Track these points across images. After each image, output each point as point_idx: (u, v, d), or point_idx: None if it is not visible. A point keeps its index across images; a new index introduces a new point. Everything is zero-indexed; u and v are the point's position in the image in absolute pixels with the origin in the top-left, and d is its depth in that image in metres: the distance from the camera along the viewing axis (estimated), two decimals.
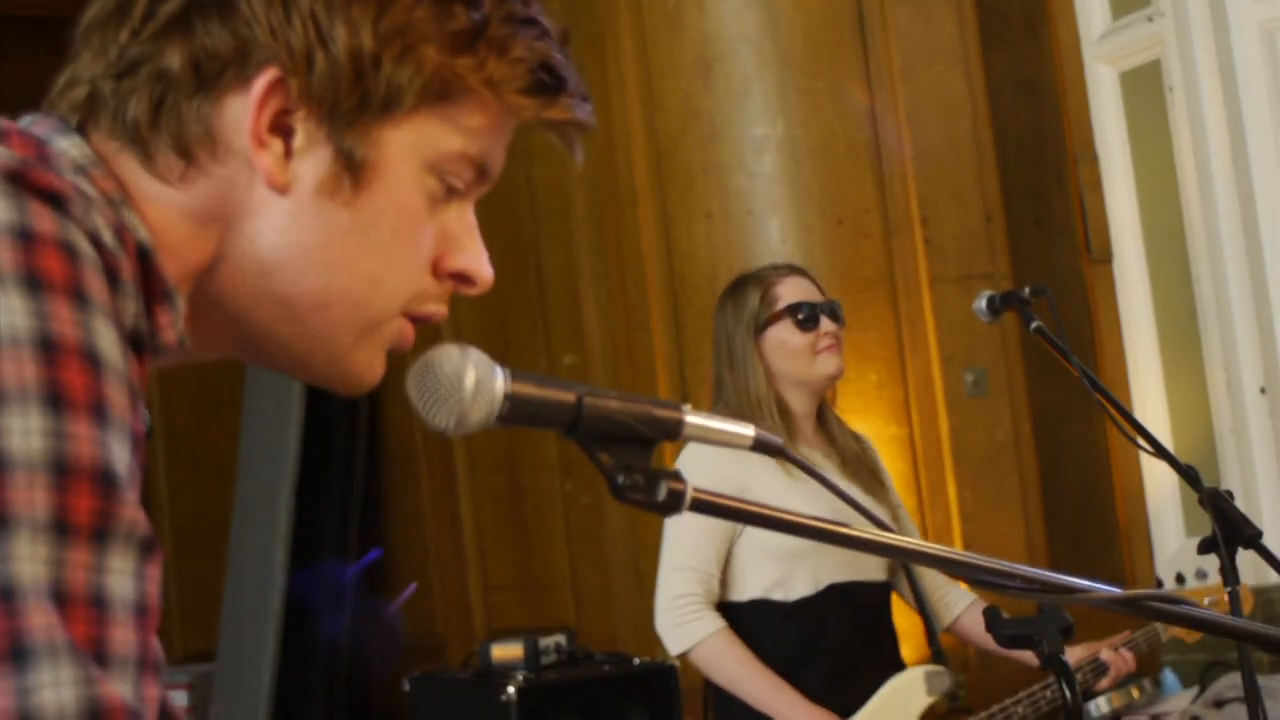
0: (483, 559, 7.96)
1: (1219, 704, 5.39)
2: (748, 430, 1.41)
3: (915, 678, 3.86)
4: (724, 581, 3.94)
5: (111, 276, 1.11)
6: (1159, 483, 6.13)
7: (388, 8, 1.28)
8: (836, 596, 3.90)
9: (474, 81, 1.30)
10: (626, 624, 6.87)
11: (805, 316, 4.03)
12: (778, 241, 6.12)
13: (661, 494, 1.34)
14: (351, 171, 1.28)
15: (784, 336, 4.03)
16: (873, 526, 1.48)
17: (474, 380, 1.30)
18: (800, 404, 4.07)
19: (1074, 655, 3.96)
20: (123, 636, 1.02)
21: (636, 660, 5.02)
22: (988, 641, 4.14)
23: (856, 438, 4.23)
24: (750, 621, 3.89)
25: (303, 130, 1.27)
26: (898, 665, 4.00)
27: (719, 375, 4.12)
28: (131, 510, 1.06)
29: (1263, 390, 5.69)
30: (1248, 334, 5.72)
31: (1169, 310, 6.18)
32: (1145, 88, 6.15)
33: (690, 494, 1.35)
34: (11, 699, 0.96)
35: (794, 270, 4.23)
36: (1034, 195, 6.55)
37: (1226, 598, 3.41)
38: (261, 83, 1.25)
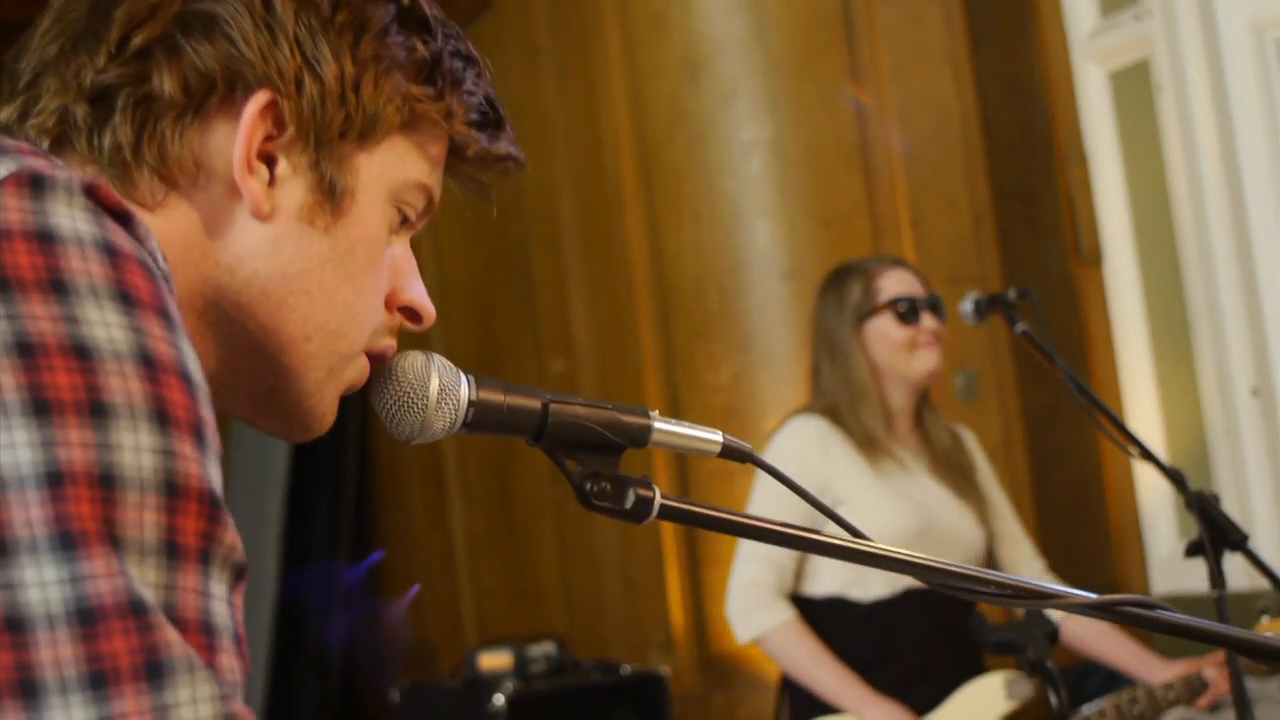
0: (473, 566, 7.95)
1: (1212, 709, 5.38)
2: (715, 436, 1.39)
3: (995, 682, 3.84)
4: (800, 574, 3.92)
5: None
6: (1151, 486, 6.12)
7: (363, 35, 1.30)
8: (913, 600, 3.88)
9: (434, 111, 1.32)
10: (617, 631, 6.86)
11: (907, 310, 4.01)
12: (766, 244, 6.10)
13: (629, 501, 1.33)
14: (331, 199, 1.28)
15: (884, 329, 4.01)
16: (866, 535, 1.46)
17: (438, 387, 1.29)
18: (899, 398, 4.05)
19: (1173, 671, 3.94)
20: (229, 664, 1.01)
21: (626, 669, 5.00)
22: (1096, 647, 4.11)
23: (955, 435, 4.20)
24: (825, 618, 3.88)
25: (285, 157, 1.27)
26: (976, 670, 3.97)
27: (817, 365, 4.10)
28: (231, 534, 1.04)
29: (1255, 391, 5.67)
30: (1239, 335, 5.70)
31: (1160, 311, 6.16)
32: (1134, 87, 6.13)
33: (659, 501, 1.34)
34: (149, 717, 0.94)
35: (897, 263, 4.20)
36: (1023, 196, 6.53)
37: None
38: (254, 105, 1.25)
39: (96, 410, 0.98)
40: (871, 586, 3.88)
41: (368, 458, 8.79)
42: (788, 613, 3.84)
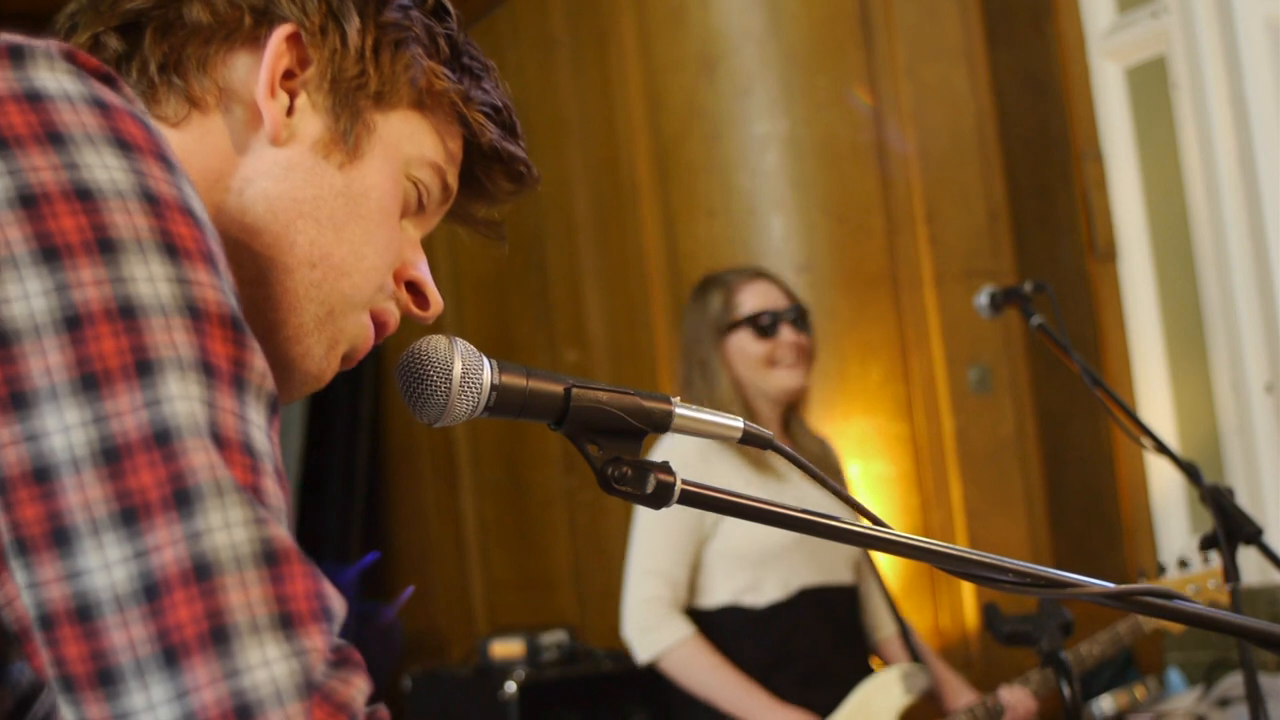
0: (485, 556, 7.96)
1: (1224, 703, 5.37)
2: (736, 423, 1.39)
3: (892, 678, 3.84)
4: (693, 587, 3.90)
5: None
6: (1164, 480, 6.11)
7: (386, 5, 1.33)
8: (807, 600, 3.87)
9: (452, 91, 1.33)
10: None
11: (766, 325, 3.99)
12: (780, 239, 6.11)
13: (650, 486, 1.34)
14: (347, 139, 1.30)
15: (743, 344, 3.98)
16: (865, 520, 1.46)
17: (461, 371, 1.30)
18: (765, 411, 4.03)
19: (971, 696, 3.93)
20: (274, 488, 1.00)
21: None
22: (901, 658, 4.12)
23: (822, 443, 4.19)
24: (721, 628, 3.85)
25: (305, 93, 1.30)
26: (869, 668, 3.97)
27: (687, 378, 4.08)
28: (260, 360, 1.03)
29: (1268, 388, 5.67)
30: (1253, 332, 5.70)
31: (1174, 308, 6.16)
32: (1151, 84, 6.13)
33: (679, 486, 1.34)
34: (183, 546, 0.93)
35: (759, 274, 4.17)
36: (1039, 193, 6.53)
37: (1210, 586, 3.40)
38: (281, 33, 1.28)
39: (105, 247, 0.98)
40: (765, 591, 3.86)
41: (380, 446, 8.80)
42: (686, 628, 3.82)
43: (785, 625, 3.86)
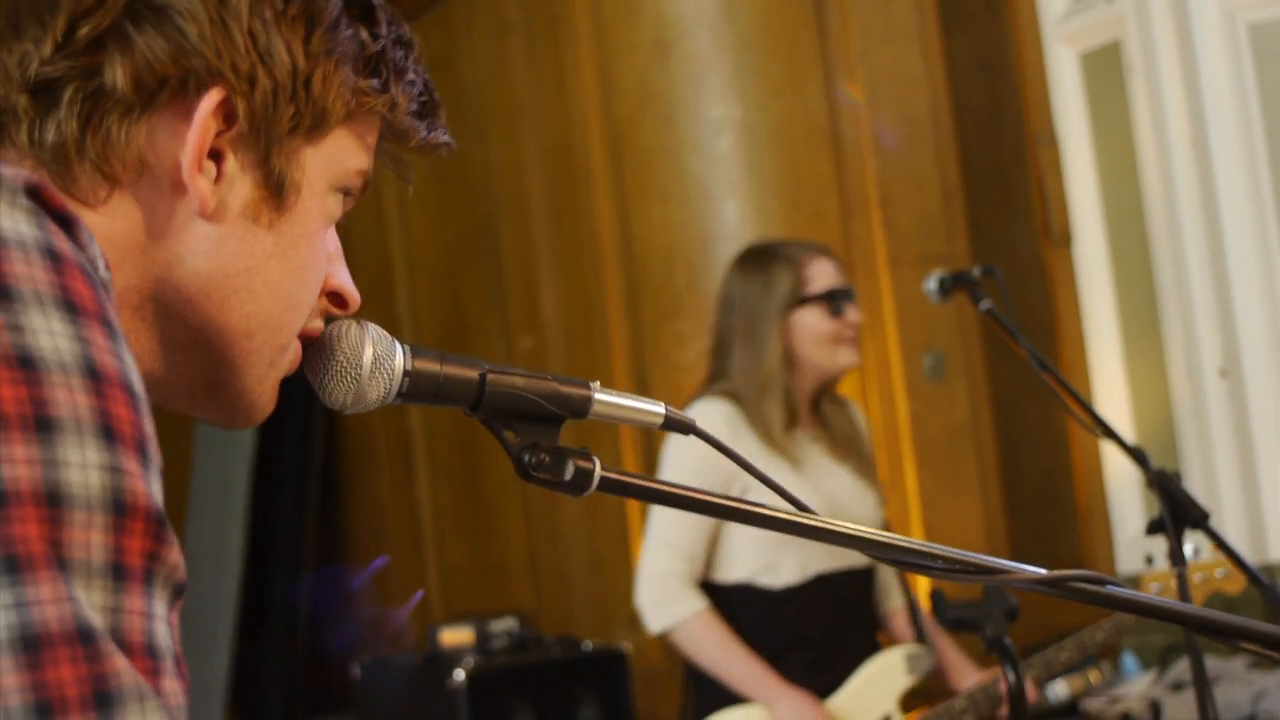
0: (440, 542, 7.94)
1: (1177, 687, 5.38)
2: (658, 408, 1.37)
3: (895, 659, 3.84)
4: (710, 561, 3.90)
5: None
6: (1118, 466, 6.12)
7: (314, 29, 1.26)
8: (822, 586, 3.87)
9: (380, 105, 1.29)
10: (584, 607, 6.85)
11: (837, 304, 3.96)
12: (734, 225, 6.09)
13: (568, 473, 1.32)
14: (277, 195, 1.25)
15: (813, 322, 3.95)
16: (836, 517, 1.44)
17: (372, 356, 1.28)
18: (807, 387, 4.00)
19: (977, 677, 3.93)
20: (173, 687, 0.97)
21: (588, 645, 4.99)
22: (907, 639, 4.12)
23: (850, 418, 4.15)
24: (734, 605, 3.86)
25: (233, 153, 1.23)
26: (877, 650, 3.97)
27: (724, 346, 4.02)
28: (175, 553, 1.01)
29: (1223, 373, 5.67)
30: (1208, 317, 5.70)
31: (1129, 293, 6.16)
32: (1105, 69, 6.12)
33: (599, 473, 1.32)
34: None
35: (822, 251, 4.14)
36: (993, 177, 6.52)
37: (1218, 575, 3.38)
38: (207, 104, 1.21)
39: (42, 425, 0.94)
40: (782, 573, 3.86)
41: (335, 432, 8.77)
42: (700, 603, 3.82)
43: (798, 609, 3.86)
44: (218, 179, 1.23)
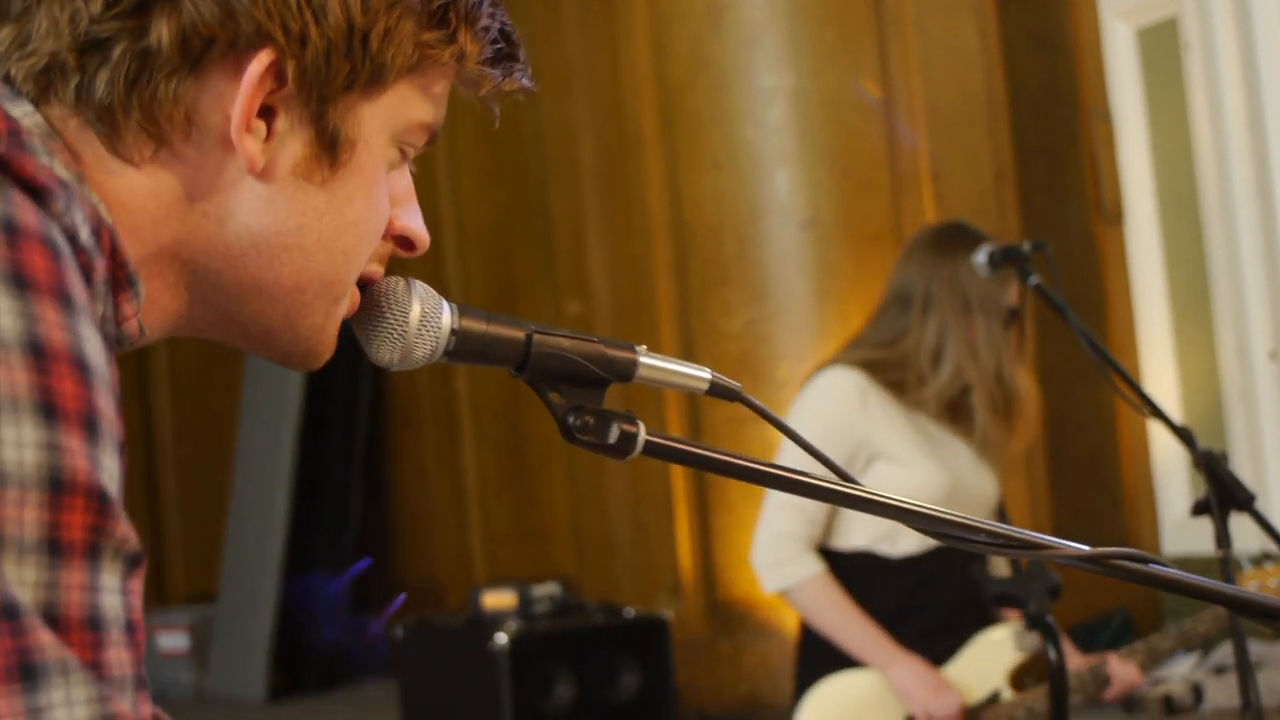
0: (484, 508, 7.96)
1: (1220, 671, 5.36)
2: (703, 374, 1.36)
3: (1005, 634, 3.83)
4: (829, 528, 3.89)
5: (85, 276, 1.06)
6: (1165, 447, 6.10)
7: None
8: (941, 556, 3.85)
9: (446, 55, 1.26)
10: (626, 575, 6.87)
11: (1012, 322, 3.89)
12: (785, 193, 6.08)
13: (612, 436, 1.31)
14: (331, 152, 1.23)
15: (999, 333, 3.87)
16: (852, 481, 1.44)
17: (419, 315, 1.27)
18: (944, 377, 3.92)
19: (1080, 661, 3.91)
20: (117, 657, 0.98)
21: (629, 611, 4.99)
22: (1014, 616, 4.09)
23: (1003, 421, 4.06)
24: (852, 572, 3.85)
25: (285, 111, 1.21)
26: (990, 625, 3.96)
27: (898, 302, 3.92)
28: (123, 527, 1.00)
29: (1272, 355, 5.64)
30: (1259, 298, 5.67)
31: (1180, 272, 6.12)
32: (1162, 45, 6.08)
33: (643, 436, 1.31)
34: (22, 719, 0.93)
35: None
36: (1046, 153, 6.49)
37: (1272, 582, 3.34)
38: (256, 68, 1.18)
39: None
40: (901, 542, 3.86)
41: (381, 398, 8.80)
42: (817, 566, 3.82)
43: (916, 578, 3.85)
44: (268, 137, 1.21)
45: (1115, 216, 6.31)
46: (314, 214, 1.23)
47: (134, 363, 8.84)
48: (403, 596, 5.99)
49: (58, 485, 0.96)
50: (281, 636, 8.27)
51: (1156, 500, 6.27)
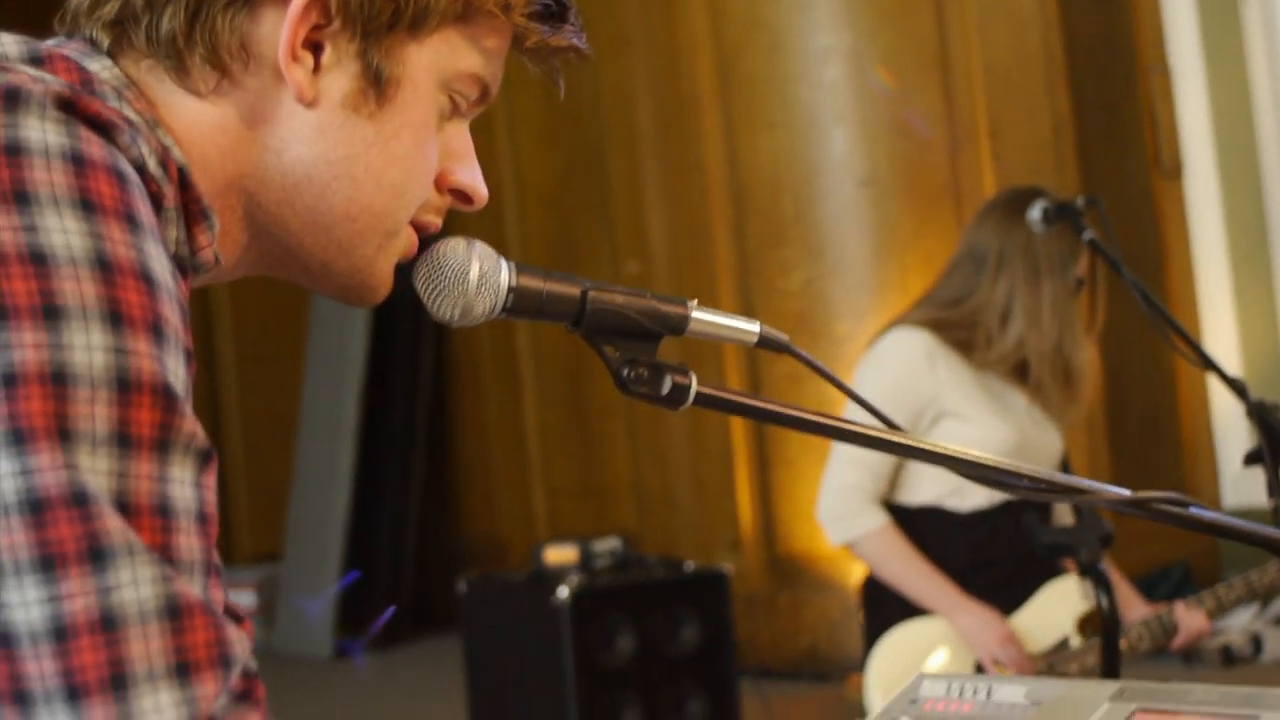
0: (546, 464, 8.02)
1: (1279, 621, 5.38)
2: (753, 326, 1.41)
3: (1072, 584, 3.86)
4: (896, 482, 3.93)
5: (156, 203, 1.16)
6: (1224, 401, 6.09)
7: None
8: (1009, 511, 3.88)
9: (490, 3, 1.31)
10: (686, 531, 6.92)
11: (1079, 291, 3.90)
12: (842, 151, 6.10)
13: (665, 387, 1.36)
14: (377, 86, 1.29)
15: (1070, 302, 3.88)
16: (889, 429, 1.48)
17: (479, 272, 1.32)
18: (1005, 344, 3.95)
19: (1145, 610, 3.94)
20: (186, 543, 1.07)
21: (689, 565, 5.03)
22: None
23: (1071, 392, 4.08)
24: (921, 527, 3.89)
25: (332, 45, 1.28)
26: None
27: (969, 260, 3.94)
28: (190, 422, 1.09)
29: None
30: None
31: (1239, 226, 6.11)
32: None
33: (695, 388, 1.36)
34: (94, 598, 1.01)
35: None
36: (1104, 108, 6.48)
37: None
38: (299, 0, 1.26)
39: (50, 313, 1.04)
40: (969, 497, 3.89)
41: (444, 356, 8.86)
42: (882, 518, 3.86)
43: (984, 533, 3.89)
44: (316, 69, 1.28)
45: (1174, 171, 6.31)
46: (362, 144, 1.30)
47: (199, 325, 8.92)
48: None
49: (125, 384, 1.05)
50: (347, 594, 8.37)
51: (1216, 454, 6.28)
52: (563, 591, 4.69)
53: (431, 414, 8.75)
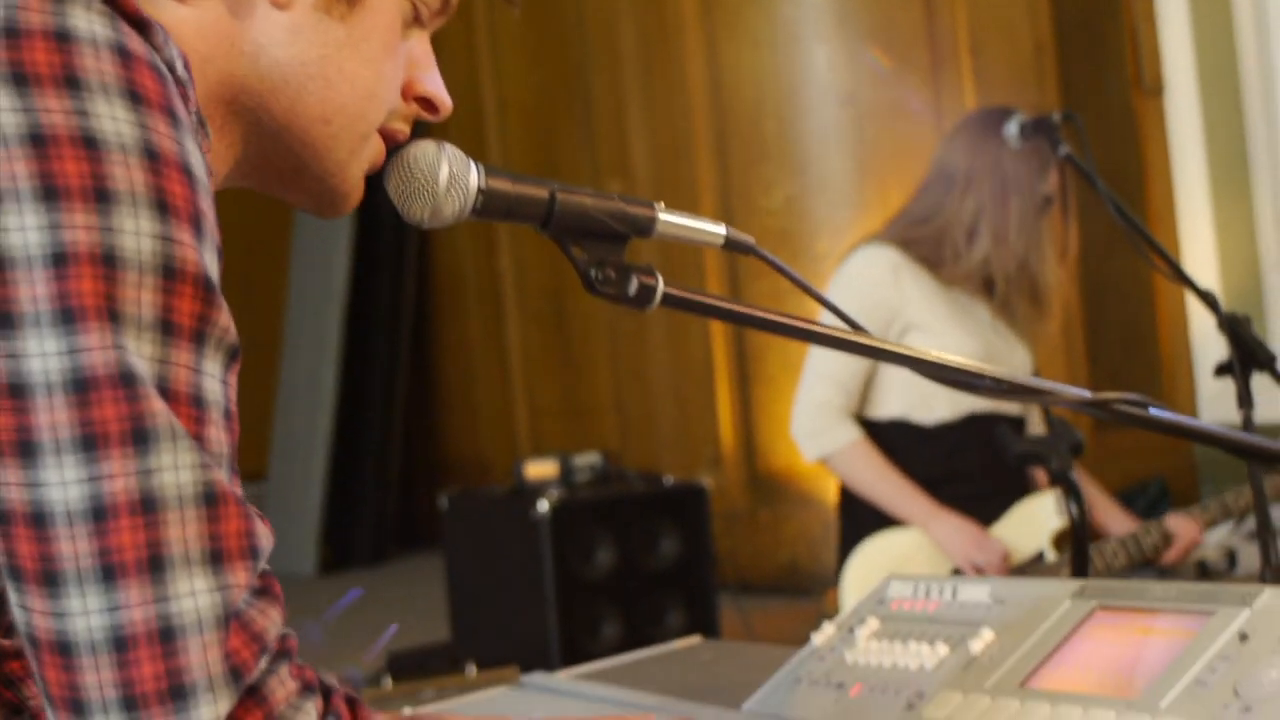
0: (529, 383, 8.05)
1: (1254, 536, 5.41)
2: (719, 229, 1.43)
3: (1048, 500, 3.89)
4: (866, 398, 3.97)
5: (184, 104, 1.17)
6: (1203, 317, 6.12)
7: None
8: (975, 425, 3.93)
9: None
10: (668, 449, 6.95)
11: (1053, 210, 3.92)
12: (824, 70, 6.09)
13: (632, 288, 1.37)
14: None
15: (1042, 223, 3.90)
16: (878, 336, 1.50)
17: (448, 174, 1.34)
18: (972, 261, 3.97)
19: (1132, 524, 3.98)
20: (216, 435, 1.08)
21: (669, 479, 5.07)
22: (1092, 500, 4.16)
23: (1040, 312, 4.11)
24: (888, 440, 3.93)
25: None
26: (1027, 494, 4.03)
27: (940, 182, 3.97)
28: (225, 317, 1.11)
29: None
30: None
31: (1219, 145, 6.12)
32: None
33: (661, 289, 1.38)
34: (134, 479, 1.03)
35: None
36: (1086, 26, 6.47)
37: None
38: None
39: (101, 196, 1.05)
40: (935, 409, 3.93)
41: (427, 275, 8.86)
42: (854, 433, 3.90)
43: (951, 445, 3.93)
44: None
45: (1155, 89, 6.31)
46: (334, 46, 1.31)
47: None
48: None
49: (170, 272, 1.07)
50: (331, 513, 8.41)
51: (1194, 371, 6.31)
52: (543, 505, 4.72)
53: (414, 334, 8.76)
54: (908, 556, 3.86)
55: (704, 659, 2.00)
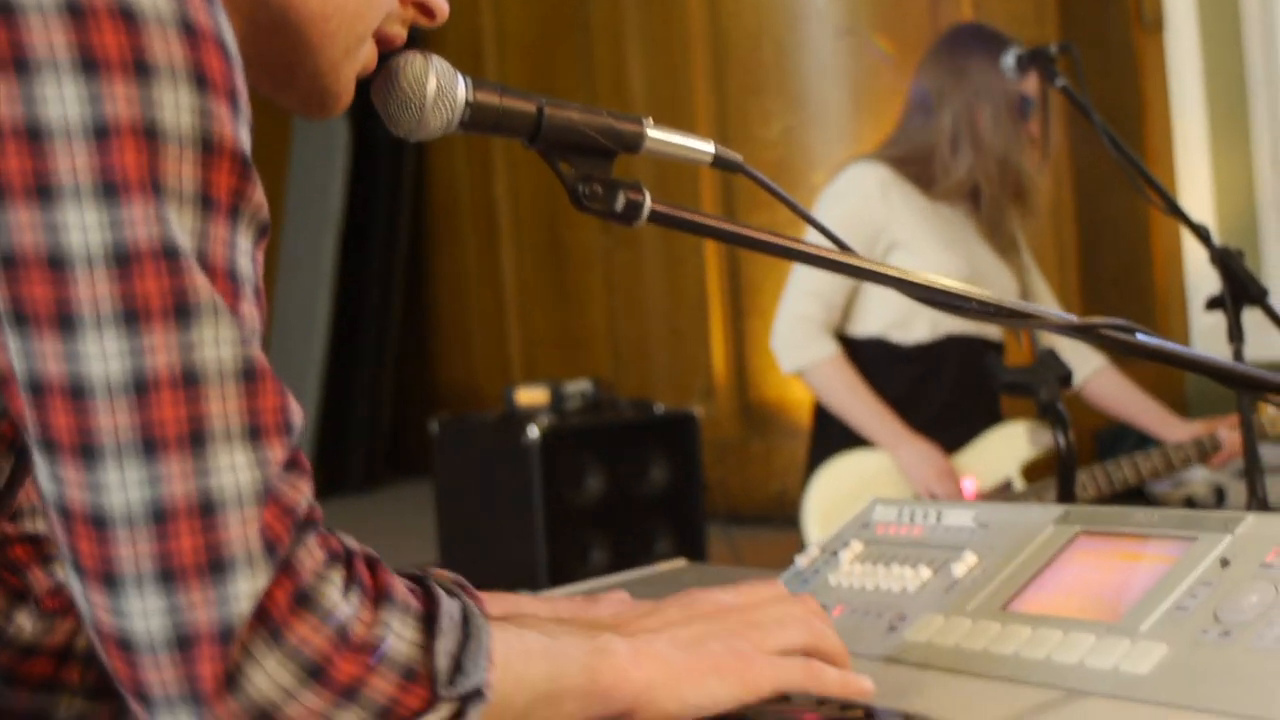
0: (523, 313, 8.05)
1: (1241, 474, 5.43)
2: (708, 146, 1.42)
3: (1019, 429, 3.92)
4: (847, 314, 3.99)
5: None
6: (1198, 253, 6.11)
7: None
8: (952, 346, 3.96)
9: None
10: (661, 378, 6.96)
11: (1032, 113, 3.94)
12: (824, 1, 6.06)
13: (619, 204, 1.36)
14: None
15: (1017, 124, 3.91)
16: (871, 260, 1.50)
17: (435, 87, 1.33)
18: (956, 173, 3.98)
19: (1189, 431, 4.00)
20: (250, 311, 1.08)
21: (659, 407, 5.07)
22: (1117, 406, 4.18)
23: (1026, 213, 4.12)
24: (866, 358, 3.97)
25: None
26: (999, 419, 4.05)
27: (914, 108, 3.98)
28: (258, 192, 1.11)
29: None
30: None
31: (1218, 82, 6.10)
32: None
33: (649, 205, 1.37)
34: (176, 353, 1.02)
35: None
36: None
37: None
38: None
39: (141, 69, 1.04)
40: (913, 330, 3.96)
41: (422, 205, 8.85)
42: (833, 348, 3.93)
43: (925, 366, 3.96)
44: None
45: (1155, 25, 6.28)
46: None
47: None
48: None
49: (209, 146, 1.06)
50: (323, 438, 8.42)
51: (1188, 308, 6.31)
52: (532, 431, 4.72)
53: (409, 260, 8.75)
54: (871, 478, 3.89)
55: (688, 581, 2.00)
